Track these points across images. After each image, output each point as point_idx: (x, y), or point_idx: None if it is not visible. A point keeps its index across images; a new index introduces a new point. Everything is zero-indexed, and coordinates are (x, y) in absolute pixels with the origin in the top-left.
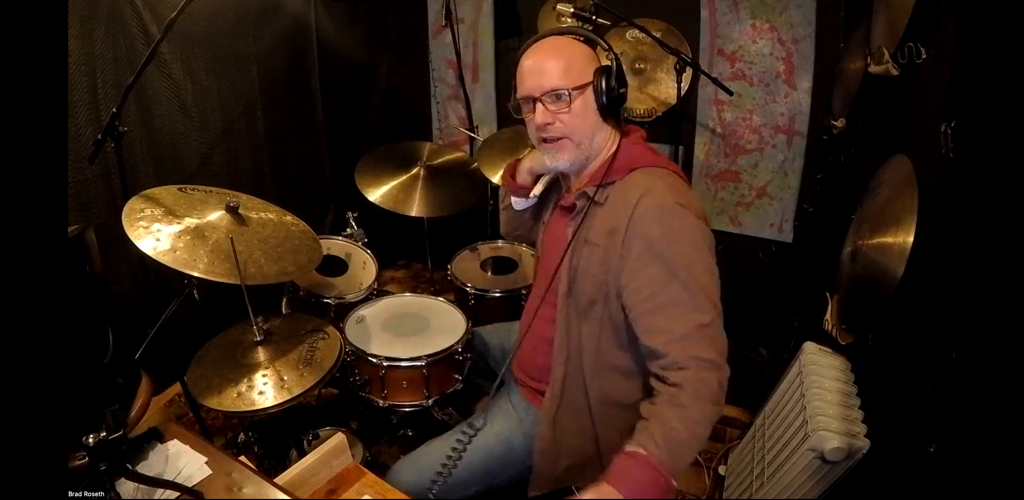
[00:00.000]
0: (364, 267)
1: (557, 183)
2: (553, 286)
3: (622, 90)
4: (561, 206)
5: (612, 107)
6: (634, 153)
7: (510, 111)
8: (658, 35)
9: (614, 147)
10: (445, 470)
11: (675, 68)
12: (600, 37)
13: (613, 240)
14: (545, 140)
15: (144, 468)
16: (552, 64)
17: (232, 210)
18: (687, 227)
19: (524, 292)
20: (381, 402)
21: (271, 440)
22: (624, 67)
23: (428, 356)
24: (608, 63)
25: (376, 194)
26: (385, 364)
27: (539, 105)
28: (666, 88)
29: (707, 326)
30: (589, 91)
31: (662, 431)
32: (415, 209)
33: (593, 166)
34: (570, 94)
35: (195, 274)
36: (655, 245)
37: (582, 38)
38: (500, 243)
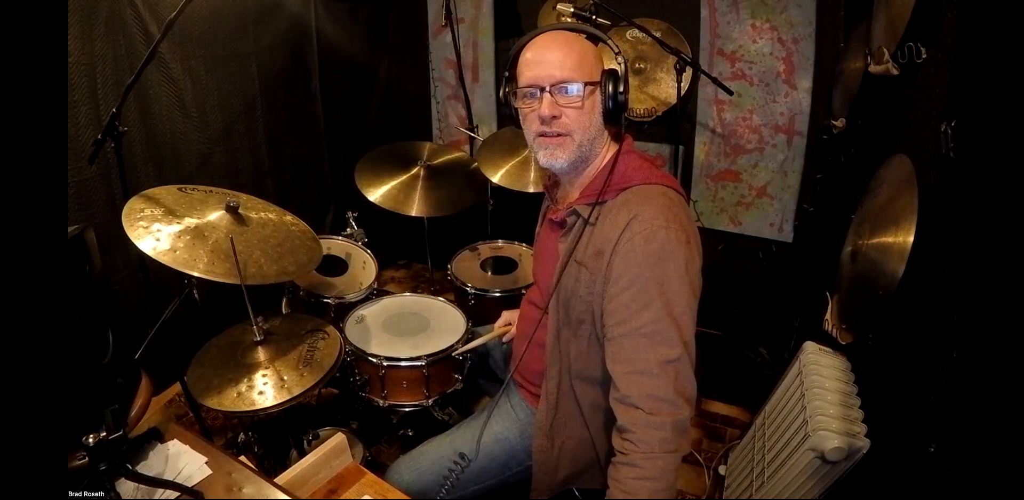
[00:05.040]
0: (364, 267)
1: (548, 191)
2: (546, 300)
3: (626, 97)
4: (550, 219)
5: (616, 113)
6: (629, 167)
7: (502, 101)
8: (658, 35)
9: (608, 156)
10: (452, 475)
11: (675, 68)
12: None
13: (599, 263)
14: (545, 135)
15: (144, 468)
16: (564, 55)
17: (232, 210)
18: (671, 254)
19: (524, 292)
20: (381, 402)
21: (271, 440)
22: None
23: (428, 356)
24: (615, 67)
25: (376, 194)
26: (385, 364)
27: (546, 96)
28: (666, 88)
29: (671, 362)
30: (598, 91)
31: (622, 494)
32: (415, 209)
33: (587, 175)
34: (583, 89)
35: (195, 274)
36: (635, 271)
37: (586, 36)
38: (500, 243)
